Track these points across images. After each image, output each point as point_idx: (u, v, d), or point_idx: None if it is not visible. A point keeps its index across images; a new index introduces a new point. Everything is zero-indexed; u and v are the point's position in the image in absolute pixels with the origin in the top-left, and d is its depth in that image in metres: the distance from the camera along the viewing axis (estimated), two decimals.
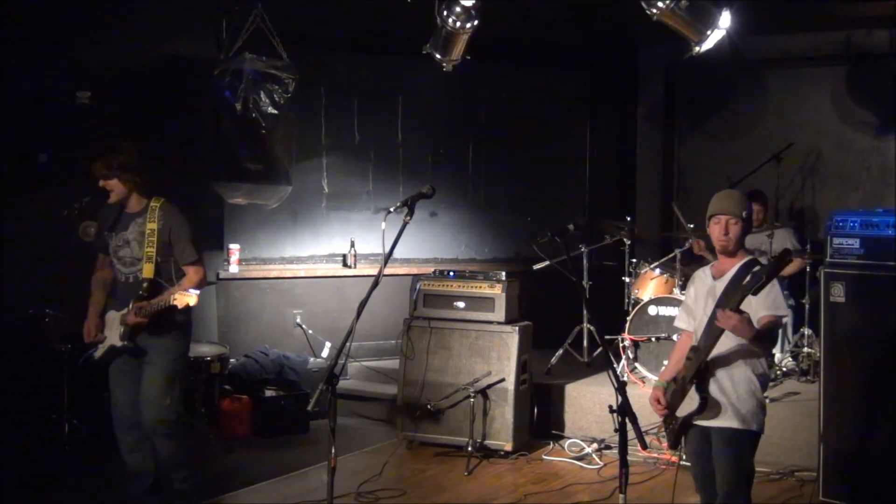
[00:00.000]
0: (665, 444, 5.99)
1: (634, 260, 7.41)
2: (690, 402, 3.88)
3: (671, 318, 6.67)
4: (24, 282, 6.17)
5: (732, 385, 3.83)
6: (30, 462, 5.65)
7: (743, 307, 3.66)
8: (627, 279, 7.36)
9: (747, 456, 3.87)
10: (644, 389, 6.53)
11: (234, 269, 7.53)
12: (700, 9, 5.90)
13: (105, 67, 6.59)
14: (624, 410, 3.51)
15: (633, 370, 6.84)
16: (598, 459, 6.07)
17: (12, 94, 6.19)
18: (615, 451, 4.66)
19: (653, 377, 6.71)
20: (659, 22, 5.85)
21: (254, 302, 7.70)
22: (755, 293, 3.59)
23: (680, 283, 6.99)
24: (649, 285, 7.16)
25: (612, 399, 3.56)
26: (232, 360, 7.03)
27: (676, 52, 6.44)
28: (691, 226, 7.19)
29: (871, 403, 4.91)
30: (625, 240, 7.43)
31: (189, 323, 4.78)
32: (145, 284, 4.55)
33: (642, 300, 6.95)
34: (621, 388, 3.56)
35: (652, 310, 6.80)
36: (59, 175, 6.22)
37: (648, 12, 5.81)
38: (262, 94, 6.63)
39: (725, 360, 3.83)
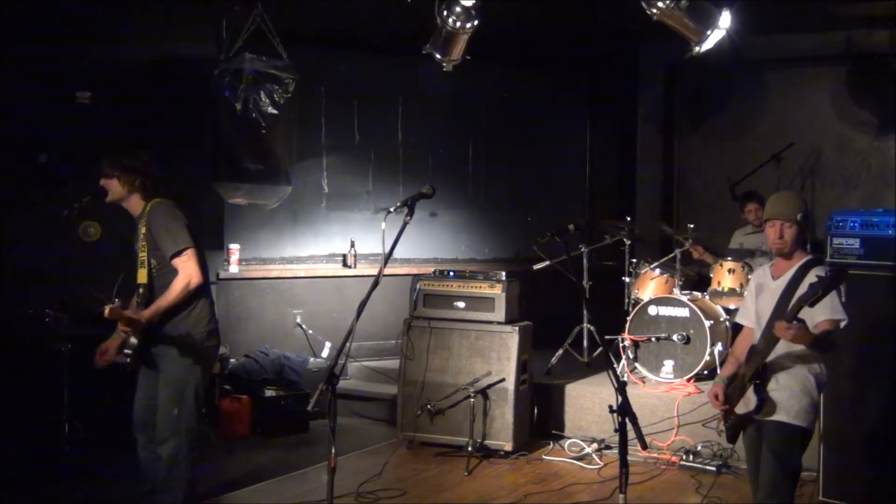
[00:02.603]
0: (665, 444, 6.04)
1: (634, 260, 7.41)
2: (748, 401, 3.93)
3: (671, 318, 6.70)
4: (24, 282, 6.16)
5: (788, 381, 3.88)
6: (30, 462, 5.64)
7: (804, 312, 3.69)
8: (627, 279, 7.36)
9: (793, 451, 3.90)
10: (644, 389, 6.54)
11: (234, 269, 7.52)
12: (700, 9, 5.91)
13: (105, 67, 6.59)
14: (624, 410, 3.51)
15: (633, 370, 6.84)
16: (598, 459, 6.07)
17: (12, 94, 6.19)
18: (615, 451, 4.67)
19: (653, 377, 6.72)
20: (659, 22, 5.85)
21: (254, 302, 7.70)
22: (811, 305, 3.63)
23: (680, 283, 7.00)
24: (649, 285, 7.16)
25: (612, 399, 3.56)
26: (232, 360, 7.04)
27: (676, 52, 6.44)
28: (689, 234, 7.15)
29: (871, 403, 4.91)
30: (625, 240, 7.43)
31: (200, 337, 4.53)
32: (141, 290, 4.45)
33: (642, 300, 6.95)
34: (621, 388, 3.56)
35: (652, 310, 6.80)
36: (59, 175, 6.22)
37: (648, 12, 5.81)
38: (262, 94, 6.63)
39: (784, 359, 3.88)
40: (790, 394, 3.87)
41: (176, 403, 4.50)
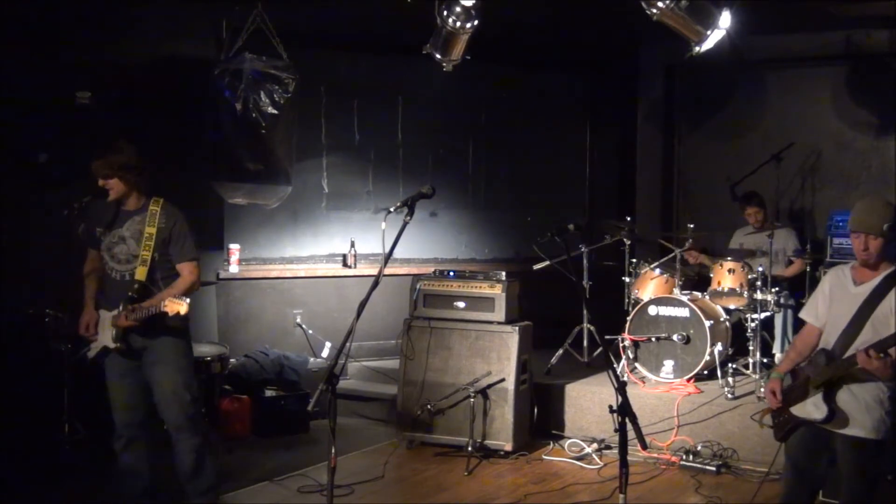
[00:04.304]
0: (665, 444, 6.03)
1: (634, 260, 7.41)
2: (814, 408, 3.87)
3: (671, 318, 6.69)
4: (24, 282, 6.16)
5: (861, 393, 3.82)
6: (30, 462, 5.65)
7: (885, 326, 3.66)
8: (627, 279, 7.36)
9: (872, 463, 3.87)
10: (644, 389, 6.53)
11: (234, 269, 7.53)
12: (700, 9, 5.90)
13: (105, 67, 6.58)
14: (624, 410, 3.51)
15: (633, 370, 6.84)
16: (598, 459, 6.07)
17: (12, 95, 6.19)
18: (615, 451, 4.67)
19: (653, 377, 6.72)
20: (659, 22, 5.85)
21: (254, 302, 7.70)
22: None
23: (680, 283, 7.00)
24: (649, 285, 7.16)
25: (612, 399, 3.56)
26: (232, 360, 7.03)
27: (676, 52, 6.44)
28: (688, 234, 7.14)
29: None
30: (625, 240, 7.43)
31: (188, 323, 4.74)
32: (136, 286, 4.51)
33: (642, 300, 6.95)
34: (621, 388, 3.56)
35: (652, 310, 6.80)
36: (59, 175, 6.22)
37: (648, 12, 5.81)
38: (262, 94, 6.62)
39: (859, 371, 3.78)
40: (863, 406, 3.81)
41: (189, 388, 4.64)
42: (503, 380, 6.15)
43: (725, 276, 6.96)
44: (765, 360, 6.77)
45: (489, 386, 6.12)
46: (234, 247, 7.57)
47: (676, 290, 6.94)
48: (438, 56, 6.48)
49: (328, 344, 7.75)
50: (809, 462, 3.99)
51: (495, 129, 8.97)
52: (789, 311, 6.94)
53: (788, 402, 3.96)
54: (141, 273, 4.53)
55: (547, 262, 6.32)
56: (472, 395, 6.04)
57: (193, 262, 4.66)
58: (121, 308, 4.51)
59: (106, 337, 4.58)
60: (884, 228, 3.78)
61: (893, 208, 3.86)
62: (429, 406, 6.22)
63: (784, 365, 4.12)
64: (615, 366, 6.04)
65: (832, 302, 3.99)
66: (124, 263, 4.59)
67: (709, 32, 5.99)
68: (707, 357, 6.53)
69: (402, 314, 6.64)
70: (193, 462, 4.64)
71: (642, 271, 7.26)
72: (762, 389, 6.19)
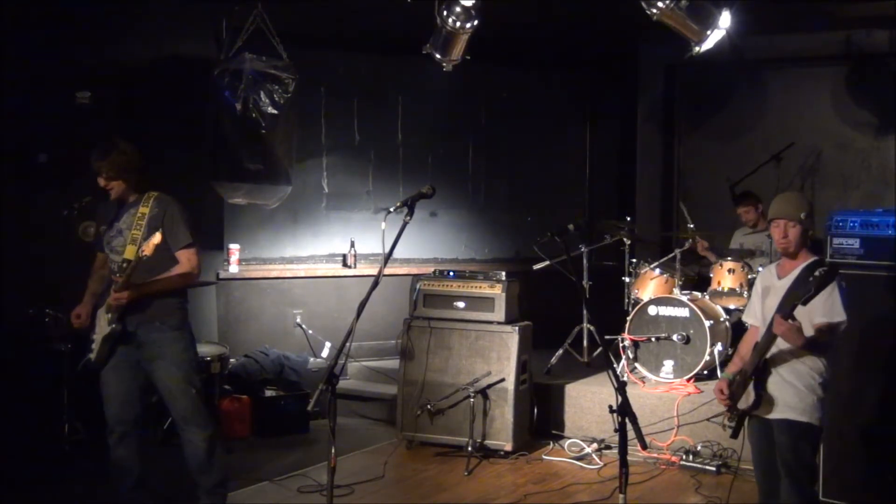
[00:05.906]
0: (665, 444, 6.04)
1: (634, 260, 7.41)
2: (748, 396, 3.98)
3: (671, 318, 6.69)
4: (24, 282, 6.16)
5: (791, 378, 3.92)
6: (30, 462, 5.65)
7: (802, 311, 3.75)
8: (627, 279, 7.36)
9: (806, 447, 3.94)
10: (644, 389, 6.54)
11: (234, 269, 7.53)
12: (700, 9, 5.91)
13: (105, 67, 6.59)
14: (624, 410, 3.52)
15: (633, 370, 6.83)
16: (598, 459, 6.07)
17: (12, 94, 6.19)
18: (615, 451, 4.67)
19: (653, 377, 6.72)
20: (659, 22, 5.86)
21: (254, 302, 7.70)
22: (804, 303, 3.70)
23: (680, 283, 7.00)
24: (649, 285, 7.16)
25: (612, 399, 3.57)
26: (232, 360, 7.04)
27: (676, 52, 6.44)
28: (691, 226, 7.19)
29: (870, 403, 4.91)
30: (625, 240, 7.43)
31: (187, 320, 4.72)
32: (124, 265, 4.44)
33: (642, 300, 6.95)
34: (621, 388, 3.57)
35: (652, 310, 6.80)
36: (59, 175, 6.22)
37: (648, 12, 5.81)
38: (262, 94, 6.63)
39: (787, 356, 3.91)
40: (795, 391, 3.90)
41: (191, 382, 4.62)
42: (503, 380, 6.15)
43: (725, 276, 6.97)
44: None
45: (489, 386, 6.12)
46: (234, 247, 7.57)
47: (676, 290, 6.94)
48: (438, 56, 6.49)
49: (328, 344, 7.75)
50: (769, 453, 4.03)
51: (495, 129, 8.97)
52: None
53: (735, 400, 4.04)
54: (130, 252, 4.46)
55: (547, 262, 6.33)
56: (472, 395, 6.04)
57: (190, 248, 4.57)
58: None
59: (102, 328, 4.54)
60: (801, 217, 3.96)
61: (808, 202, 4.07)
62: (429, 406, 6.22)
63: (732, 367, 4.22)
64: (615, 366, 6.05)
65: (764, 300, 4.12)
66: (121, 254, 4.55)
67: (709, 32, 6.00)
68: (707, 357, 6.53)
69: (402, 314, 6.64)
70: (205, 454, 4.62)
71: (642, 271, 7.26)
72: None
